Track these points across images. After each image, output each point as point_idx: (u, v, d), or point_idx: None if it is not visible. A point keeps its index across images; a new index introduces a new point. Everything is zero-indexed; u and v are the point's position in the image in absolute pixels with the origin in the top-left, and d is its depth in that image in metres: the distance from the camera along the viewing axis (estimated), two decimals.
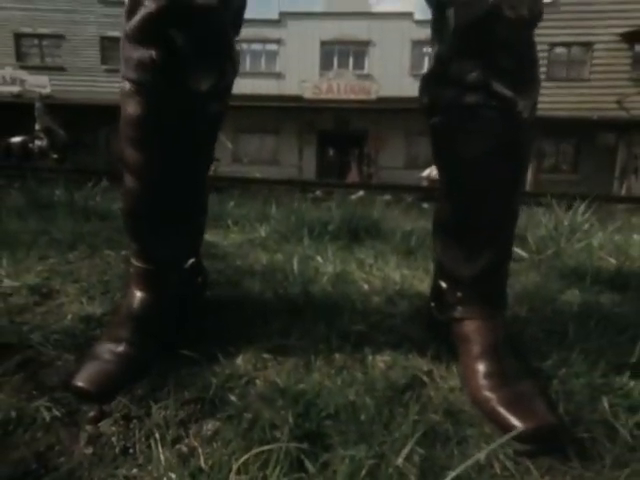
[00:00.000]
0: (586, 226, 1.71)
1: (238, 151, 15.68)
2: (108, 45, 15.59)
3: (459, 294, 0.71)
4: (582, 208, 1.82)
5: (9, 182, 4.70)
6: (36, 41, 15.71)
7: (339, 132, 16.53)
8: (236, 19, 0.66)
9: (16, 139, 9.20)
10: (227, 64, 0.65)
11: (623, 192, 13.45)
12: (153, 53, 0.58)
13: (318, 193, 4.94)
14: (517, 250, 1.48)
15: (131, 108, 0.62)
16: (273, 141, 16.85)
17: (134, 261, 0.71)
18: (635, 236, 1.77)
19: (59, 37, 15.53)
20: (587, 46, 13.82)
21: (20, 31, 15.47)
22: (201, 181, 0.73)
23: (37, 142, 9.08)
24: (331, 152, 17.50)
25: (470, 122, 0.63)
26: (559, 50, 13.96)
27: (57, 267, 1.05)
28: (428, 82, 0.69)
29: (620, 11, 13.39)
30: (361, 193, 4.80)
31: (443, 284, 0.75)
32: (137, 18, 0.57)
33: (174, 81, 0.60)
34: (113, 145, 15.80)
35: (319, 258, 1.27)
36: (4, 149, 9.27)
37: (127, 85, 0.61)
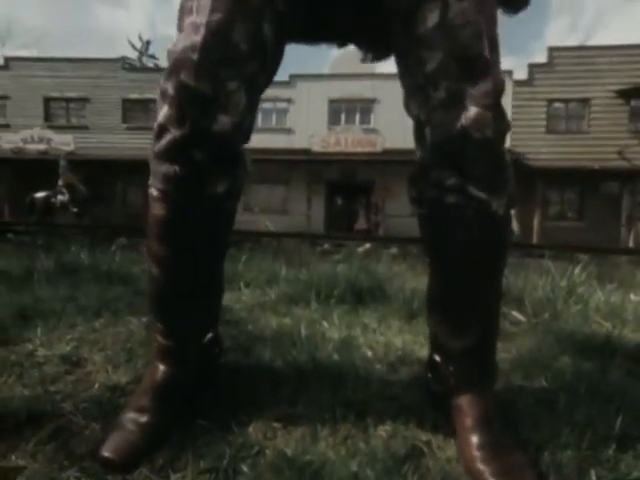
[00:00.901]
0: (581, 289, 1.76)
1: (249, 201, 16.13)
2: (129, 106, 16.68)
3: (451, 367, 0.77)
4: (579, 269, 1.88)
5: (33, 238, 4.94)
6: (63, 104, 16.93)
7: (347, 182, 17.00)
8: (247, 133, 0.75)
9: (40, 194, 9.70)
10: (239, 170, 0.75)
11: (631, 240, 13.39)
12: (177, 168, 0.68)
13: (326, 246, 5.07)
14: (514, 314, 1.54)
15: (157, 210, 0.71)
16: (283, 191, 17.36)
17: (158, 337, 0.79)
18: (632, 296, 1.81)
19: (84, 100, 16.72)
20: (584, 102, 14.32)
21: (49, 95, 16.72)
22: (218, 266, 0.82)
23: (59, 197, 9.57)
24: (339, 201, 17.90)
25: (451, 219, 0.71)
26: (557, 105, 14.49)
27: (85, 335, 1.14)
28: (414, 181, 0.78)
29: (614, 70, 14.00)
30: (368, 246, 4.90)
31: (437, 357, 0.82)
32: (164, 142, 0.67)
33: (194, 189, 0.70)
34: (129, 197, 16.43)
35: (325, 323, 1.35)
36: (29, 204, 9.77)
37: (154, 192, 0.71)
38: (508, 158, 0.72)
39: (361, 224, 16.91)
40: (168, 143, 0.67)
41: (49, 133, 16.16)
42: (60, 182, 9.67)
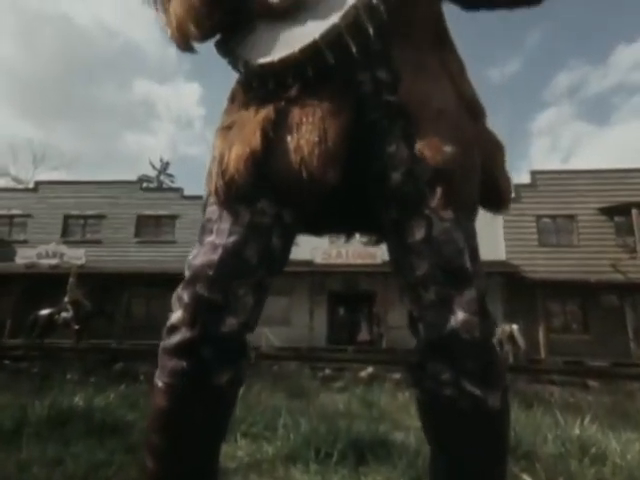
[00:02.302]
0: (594, 450, 1.68)
1: None
2: (142, 221, 17.69)
3: None
4: (590, 416, 1.81)
5: (30, 365, 4.86)
6: (81, 221, 17.96)
7: (349, 293, 17.09)
8: (253, 326, 0.78)
9: (44, 312, 9.77)
10: (243, 361, 0.78)
11: None
12: (184, 364, 0.71)
13: (328, 371, 4.92)
14: (525, 478, 1.46)
15: (161, 402, 0.73)
16: (285, 302, 17.35)
17: None
18: None
19: (101, 217, 17.78)
20: (571, 218, 15.03)
21: (69, 213, 17.83)
22: (217, 451, 0.81)
23: (63, 314, 9.62)
24: (341, 312, 17.77)
25: (447, 412, 0.72)
26: (546, 220, 15.21)
27: None
28: (411, 368, 0.79)
29: (593, 191, 14.95)
30: (370, 370, 4.77)
31: None
32: (174, 340, 0.72)
33: (199, 381, 0.72)
34: (132, 309, 16.42)
35: None
36: (32, 321, 9.78)
37: (160, 384, 0.73)
38: (500, 354, 0.77)
39: (363, 335, 16.54)
40: (178, 342, 0.72)
41: (63, 248, 16.88)
42: (66, 299, 9.81)
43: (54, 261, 16.41)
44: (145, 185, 24.49)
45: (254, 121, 0.74)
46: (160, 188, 23.95)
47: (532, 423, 2.38)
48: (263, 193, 0.74)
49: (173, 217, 17.46)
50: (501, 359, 0.76)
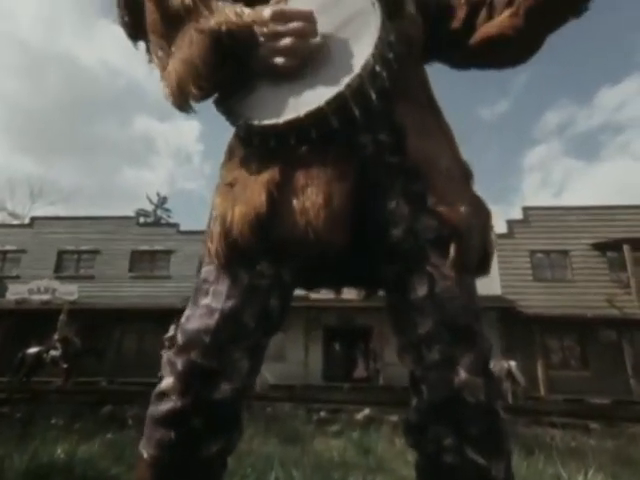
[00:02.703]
0: None
1: None
2: (137, 257, 17.61)
3: None
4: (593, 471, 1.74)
5: (13, 408, 4.69)
6: (75, 256, 17.81)
7: (345, 328, 16.86)
8: (248, 394, 0.74)
9: (32, 350, 9.53)
10: (235, 432, 0.74)
11: None
12: (172, 434, 0.67)
13: (322, 414, 4.79)
14: None
15: (144, 475, 0.69)
16: (280, 337, 17.05)
17: None
18: None
19: (96, 252, 17.66)
20: (564, 253, 15.14)
21: (63, 249, 17.70)
22: None
23: (52, 352, 9.39)
24: (337, 347, 17.45)
25: (448, 479, 0.68)
26: (539, 255, 15.31)
27: None
28: (409, 429, 0.74)
29: (584, 227, 15.15)
30: (367, 412, 4.64)
31: None
32: (163, 408, 0.69)
33: (187, 452, 0.68)
34: (123, 345, 16.04)
35: None
36: (19, 360, 9.53)
37: (146, 456, 0.69)
38: (504, 422, 0.72)
39: (360, 372, 16.19)
40: (168, 410, 0.68)
41: (55, 283, 16.67)
42: (56, 336, 9.59)
43: (46, 297, 16.17)
44: (143, 220, 24.58)
45: (258, 182, 0.72)
46: (156, 223, 24.07)
47: (534, 473, 2.29)
48: (263, 254, 0.73)
49: (168, 252, 17.39)
50: (506, 424, 0.71)
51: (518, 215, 15.93)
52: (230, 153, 0.83)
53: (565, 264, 15.10)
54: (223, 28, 0.71)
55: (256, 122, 0.71)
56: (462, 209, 0.73)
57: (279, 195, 0.70)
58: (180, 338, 0.72)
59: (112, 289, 16.77)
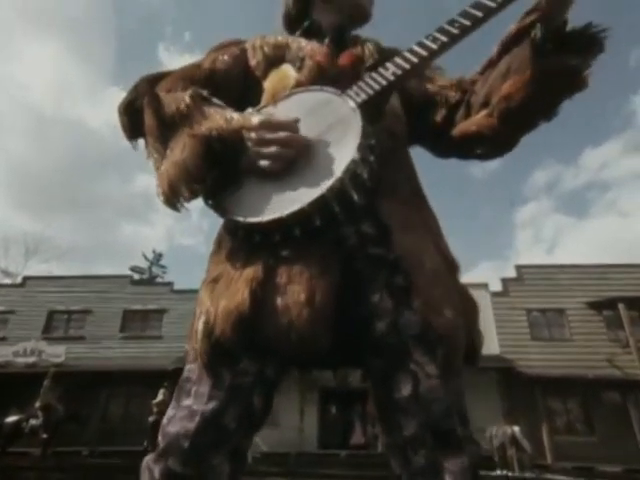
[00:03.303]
0: None
1: None
2: (129, 316, 17.21)
3: None
4: None
5: None
6: (65, 316, 17.31)
7: (341, 389, 16.24)
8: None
9: (11, 419, 9.07)
10: None
11: None
12: None
13: None
14: None
15: None
16: (274, 402, 16.33)
17: None
18: None
19: (87, 312, 17.22)
20: (560, 312, 14.95)
21: (54, 309, 17.24)
22: None
23: (32, 421, 8.93)
24: (333, 411, 16.69)
25: None
26: (535, 314, 15.09)
27: None
28: None
29: (579, 285, 15.11)
30: None
31: None
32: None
33: None
34: (109, 411, 15.25)
35: None
36: None
37: None
38: None
39: (357, 437, 15.41)
40: None
41: (43, 345, 16.11)
42: (38, 403, 9.17)
43: (31, 359, 15.53)
44: (138, 276, 24.41)
45: (241, 279, 0.72)
46: (150, 281, 23.91)
47: None
48: (246, 352, 0.72)
49: (161, 311, 17.02)
50: None
51: (512, 272, 15.93)
52: (219, 243, 0.85)
53: (562, 322, 14.89)
54: (214, 133, 0.76)
55: (241, 219, 0.73)
56: (448, 314, 0.72)
57: (262, 293, 0.70)
58: (160, 441, 0.71)
59: (102, 350, 16.24)
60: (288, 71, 0.92)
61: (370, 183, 0.72)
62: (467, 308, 0.80)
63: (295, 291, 0.69)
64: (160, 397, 9.17)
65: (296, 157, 0.74)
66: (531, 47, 0.79)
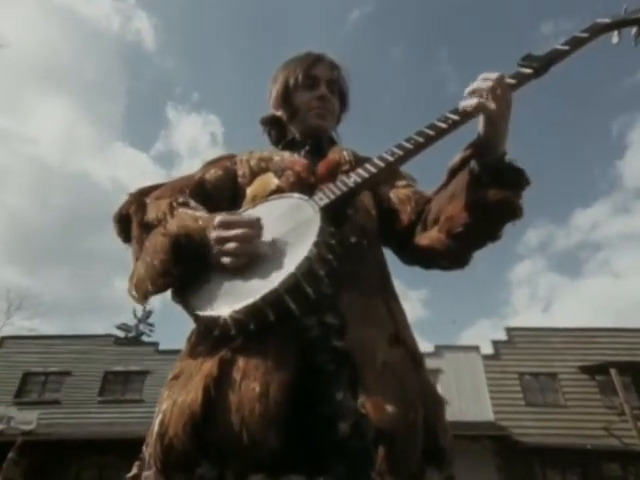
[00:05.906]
0: None
1: None
2: (110, 378, 16.33)
3: None
4: None
5: None
6: (42, 378, 16.37)
7: None
8: None
9: None
10: None
11: None
12: None
13: None
14: None
15: None
16: None
17: None
18: None
19: (65, 374, 16.35)
20: (553, 376, 14.64)
21: (30, 371, 16.31)
22: None
23: None
24: None
25: None
26: (528, 378, 14.71)
27: None
28: None
29: (570, 349, 14.92)
30: None
31: None
32: None
33: None
34: None
35: None
36: None
37: None
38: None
39: None
40: None
41: (13, 411, 14.89)
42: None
43: None
44: (124, 334, 23.53)
45: (197, 377, 0.71)
46: (136, 339, 23.03)
47: None
48: (203, 456, 0.67)
49: (144, 373, 16.22)
50: None
51: (502, 337, 15.61)
52: (189, 339, 0.86)
53: (555, 388, 14.47)
54: (182, 232, 0.82)
55: (201, 313, 0.76)
56: (390, 409, 0.68)
57: (216, 391, 0.67)
58: None
59: (78, 415, 15.21)
60: (270, 178, 1.01)
61: (328, 279, 0.74)
62: (427, 404, 0.76)
63: (250, 388, 0.67)
64: (135, 470, 8.50)
65: (259, 255, 0.78)
66: (469, 177, 0.89)
